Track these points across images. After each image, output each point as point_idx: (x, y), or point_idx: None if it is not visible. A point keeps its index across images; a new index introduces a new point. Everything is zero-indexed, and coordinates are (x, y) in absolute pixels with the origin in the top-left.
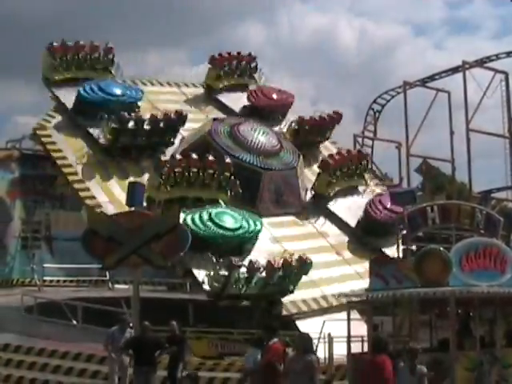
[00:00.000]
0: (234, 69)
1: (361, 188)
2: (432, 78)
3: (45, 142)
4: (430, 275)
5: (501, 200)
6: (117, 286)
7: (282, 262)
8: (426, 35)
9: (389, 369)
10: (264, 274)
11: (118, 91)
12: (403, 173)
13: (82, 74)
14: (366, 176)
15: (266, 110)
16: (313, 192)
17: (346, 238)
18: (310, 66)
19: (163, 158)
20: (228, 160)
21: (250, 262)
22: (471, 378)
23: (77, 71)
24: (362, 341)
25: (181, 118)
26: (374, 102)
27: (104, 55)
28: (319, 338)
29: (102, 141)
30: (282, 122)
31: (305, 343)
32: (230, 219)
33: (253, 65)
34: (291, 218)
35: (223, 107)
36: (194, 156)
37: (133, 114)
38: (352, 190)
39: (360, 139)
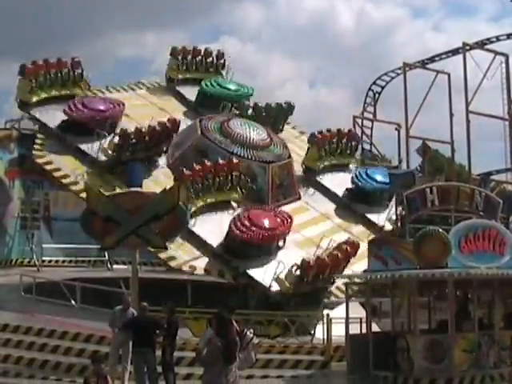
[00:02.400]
0: (53, 78)
1: (352, 166)
2: (432, 59)
3: (47, 168)
4: (428, 257)
5: (500, 182)
6: (116, 266)
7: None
8: (425, 17)
9: None
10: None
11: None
12: (402, 154)
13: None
14: (357, 156)
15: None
16: (303, 166)
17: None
18: (309, 47)
19: (185, 172)
20: (235, 160)
21: (303, 260)
22: (469, 359)
23: (50, 90)
24: (361, 322)
25: (175, 125)
26: (374, 83)
27: (72, 70)
28: (318, 319)
29: (100, 157)
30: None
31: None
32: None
33: (78, 71)
34: (298, 205)
35: (183, 99)
36: (208, 163)
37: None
38: (342, 168)
39: (359, 120)
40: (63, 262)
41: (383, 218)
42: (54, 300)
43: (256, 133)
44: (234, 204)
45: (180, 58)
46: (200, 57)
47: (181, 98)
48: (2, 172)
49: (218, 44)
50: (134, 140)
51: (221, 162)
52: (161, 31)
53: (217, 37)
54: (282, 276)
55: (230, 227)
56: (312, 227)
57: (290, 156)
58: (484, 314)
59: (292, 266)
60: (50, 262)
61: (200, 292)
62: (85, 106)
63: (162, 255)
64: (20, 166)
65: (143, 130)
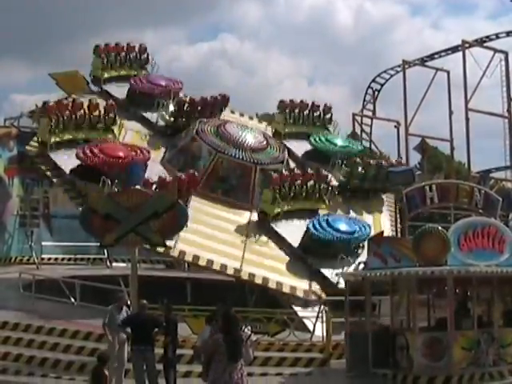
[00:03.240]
0: (122, 59)
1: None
2: (431, 57)
3: None
4: (428, 254)
5: (499, 180)
6: (115, 264)
7: None
8: (423, 14)
9: None
10: None
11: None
12: (402, 152)
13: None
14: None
15: (151, 96)
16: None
17: None
18: (307, 44)
19: (273, 175)
20: (324, 172)
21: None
22: (469, 357)
23: (120, 69)
24: (360, 319)
25: (224, 99)
26: (373, 80)
27: (139, 54)
28: (317, 317)
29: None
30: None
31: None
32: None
33: (144, 56)
34: None
35: (109, 97)
36: (297, 170)
37: None
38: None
39: (359, 118)
40: (62, 259)
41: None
42: (54, 298)
43: (252, 136)
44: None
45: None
46: (124, 53)
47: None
48: (1, 170)
49: (217, 41)
50: (188, 108)
51: (310, 171)
52: (159, 29)
53: (215, 34)
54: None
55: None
56: None
57: (284, 160)
58: (483, 312)
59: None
60: (49, 259)
61: (199, 290)
62: (148, 81)
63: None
64: (19, 163)
65: (196, 100)
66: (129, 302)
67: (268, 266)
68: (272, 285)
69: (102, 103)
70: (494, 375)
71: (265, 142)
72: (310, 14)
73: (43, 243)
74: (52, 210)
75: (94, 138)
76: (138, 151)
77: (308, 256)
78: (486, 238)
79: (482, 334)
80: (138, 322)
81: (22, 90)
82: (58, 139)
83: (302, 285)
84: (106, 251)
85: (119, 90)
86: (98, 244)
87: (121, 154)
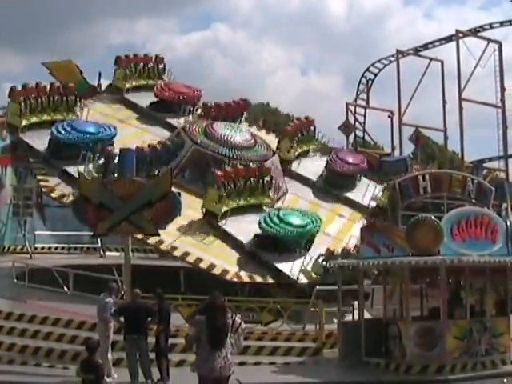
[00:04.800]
0: (141, 70)
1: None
2: (425, 46)
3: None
4: (421, 244)
5: (493, 170)
6: (108, 253)
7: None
8: (416, 4)
9: None
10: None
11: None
12: (395, 142)
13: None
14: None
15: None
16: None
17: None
18: (300, 34)
19: (218, 173)
20: (267, 164)
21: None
22: (461, 346)
23: (139, 79)
24: (353, 309)
25: (246, 103)
26: (367, 70)
27: (156, 64)
28: (310, 306)
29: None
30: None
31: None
32: (296, 218)
33: (161, 66)
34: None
35: (132, 106)
36: (240, 166)
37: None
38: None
39: (352, 108)
40: (56, 248)
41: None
42: (47, 287)
43: (240, 134)
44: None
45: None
46: (142, 63)
47: (132, 105)
48: None
49: (210, 31)
50: (214, 113)
51: (252, 165)
52: (152, 18)
53: (208, 24)
54: (309, 268)
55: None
56: None
57: (274, 154)
58: (476, 301)
59: (318, 257)
60: (42, 248)
61: (193, 279)
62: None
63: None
64: (12, 152)
65: (221, 104)
66: (122, 292)
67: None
68: (204, 265)
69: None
70: (487, 364)
71: (252, 141)
72: (302, 3)
73: (36, 232)
74: (45, 200)
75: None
76: (195, 90)
77: (262, 252)
78: (479, 228)
79: (475, 323)
80: (131, 310)
81: (14, 79)
82: (129, 85)
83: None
84: (99, 240)
85: (140, 99)
86: (92, 233)
87: (183, 90)
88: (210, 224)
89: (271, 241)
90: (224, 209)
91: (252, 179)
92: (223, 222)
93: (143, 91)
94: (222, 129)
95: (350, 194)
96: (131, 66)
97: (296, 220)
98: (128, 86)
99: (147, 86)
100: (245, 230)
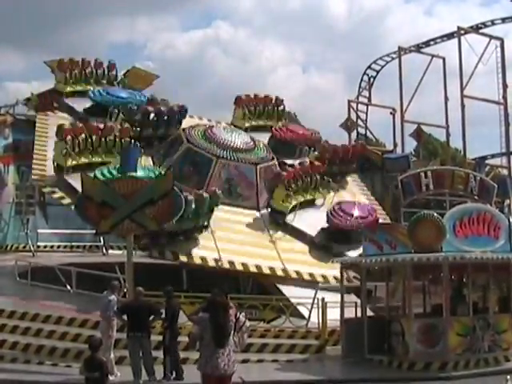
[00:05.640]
0: (260, 110)
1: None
2: (427, 43)
3: None
4: (423, 241)
5: (495, 166)
6: (111, 251)
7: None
8: (416, 1)
9: None
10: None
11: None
12: (397, 139)
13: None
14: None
15: (293, 144)
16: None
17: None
18: (301, 31)
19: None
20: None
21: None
22: (464, 343)
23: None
24: (356, 306)
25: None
26: (369, 67)
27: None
28: (313, 304)
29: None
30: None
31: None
32: (357, 210)
33: (280, 107)
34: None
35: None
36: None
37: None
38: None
39: (354, 105)
40: (58, 247)
41: None
42: (50, 285)
43: (239, 137)
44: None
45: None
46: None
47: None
48: None
49: (211, 29)
50: (329, 156)
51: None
52: (153, 16)
53: (209, 22)
54: None
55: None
56: None
57: (273, 158)
58: (479, 298)
59: None
60: (45, 247)
61: (195, 276)
62: (288, 129)
63: None
64: (15, 151)
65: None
66: (125, 290)
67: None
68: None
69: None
70: (490, 361)
71: (252, 143)
72: (303, 0)
73: (39, 231)
74: (48, 198)
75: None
76: (313, 132)
77: (332, 244)
78: (482, 225)
79: (478, 320)
80: (133, 308)
81: (15, 78)
82: (248, 125)
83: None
84: (101, 238)
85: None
86: (94, 231)
87: (301, 132)
88: (275, 222)
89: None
90: (290, 206)
91: (306, 176)
92: (290, 218)
93: (261, 131)
94: (221, 132)
95: None
96: (250, 104)
97: (357, 212)
98: (247, 125)
99: (265, 127)
100: (309, 224)
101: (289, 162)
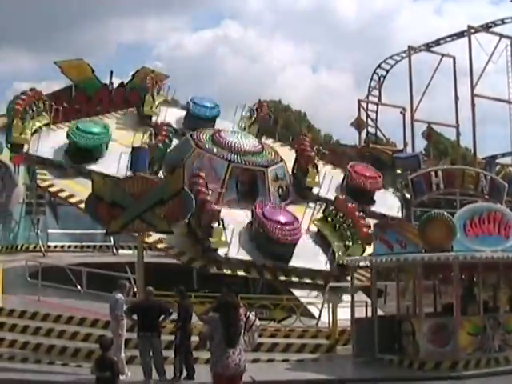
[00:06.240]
0: None
1: None
2: (437, 42)
3: None
4: (434, 240)
5: (505, 165)
6: (121, 251)
7: None
8: (426, 0)
9: None
10: None
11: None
12: (408, 138)
13: None
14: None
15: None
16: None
17: None
18: (310, 31)
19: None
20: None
21: None
22: (474, 342)
23: None
24: (366, 306)
25: None
26: (378, 66)
27: None
28: (323, 303)
29: None
30: None
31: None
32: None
33: None
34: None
35: None
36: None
37: None
38: None
39: (364, 104)
40: (69, 247)
41: None
42: (60, 285)
43: (247, 140)
44: None
45: None
46: None
47: None
48: (7, 158)
49: (220, 28)
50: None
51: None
52: (163, 16)
53: (218, 21)
54: None
55: None
56: None
57: (282, 160)
58: (489, 297)
59: None
60: (55, 247)
61: (205, 276)
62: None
63: None
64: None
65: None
66: (135, 289)
67: None
68: None
69: None
70: (500, 360)
71: (259, 146)
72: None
73: (49, 231)
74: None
75: None
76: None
77: None
78: (492, 224)
79: (488, 319)
80: (144, 308)
81: (25, 78)
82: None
83: None
84: (112, 238)
85: None
86: (104, 231)
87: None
88: None
89: None
90: None
91: None
92: None
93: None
94: (229, 136)
95: None
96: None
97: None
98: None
99: None
100: None
101: None
